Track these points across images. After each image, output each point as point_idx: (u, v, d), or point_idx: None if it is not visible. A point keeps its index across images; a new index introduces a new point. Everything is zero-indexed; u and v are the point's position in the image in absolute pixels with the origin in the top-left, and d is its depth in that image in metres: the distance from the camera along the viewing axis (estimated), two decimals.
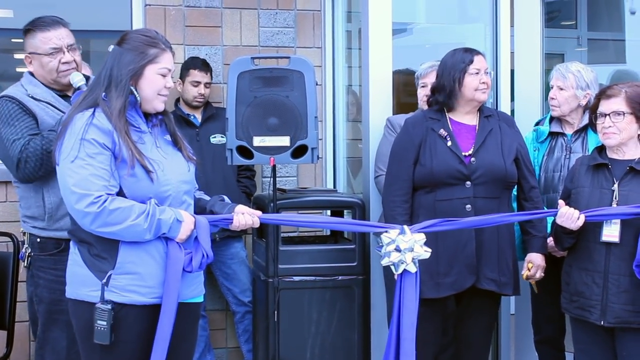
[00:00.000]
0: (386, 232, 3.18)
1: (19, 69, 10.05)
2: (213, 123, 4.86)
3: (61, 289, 3.35)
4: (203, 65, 4.94)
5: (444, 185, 3.77)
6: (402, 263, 3.15)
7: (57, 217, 3.43)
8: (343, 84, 5.46)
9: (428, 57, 4.43)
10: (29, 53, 3.50)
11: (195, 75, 4.89)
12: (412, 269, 3.14)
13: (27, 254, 3.52)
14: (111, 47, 2.93)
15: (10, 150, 3.37)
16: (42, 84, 3.50)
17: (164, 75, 2.88)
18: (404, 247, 3.13)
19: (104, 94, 2.83)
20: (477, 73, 3.82)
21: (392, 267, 3.20)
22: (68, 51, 3.43)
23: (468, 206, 3.73)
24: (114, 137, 2.76)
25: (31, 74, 3.55)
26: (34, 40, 3.48)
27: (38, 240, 3.48)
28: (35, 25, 3.47)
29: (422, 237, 3.16)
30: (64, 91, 3.53)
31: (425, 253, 3.17)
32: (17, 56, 9.78)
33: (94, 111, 2.79)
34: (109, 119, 2.77)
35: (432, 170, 3.77)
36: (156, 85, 2.87)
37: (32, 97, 3.45)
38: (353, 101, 5.51)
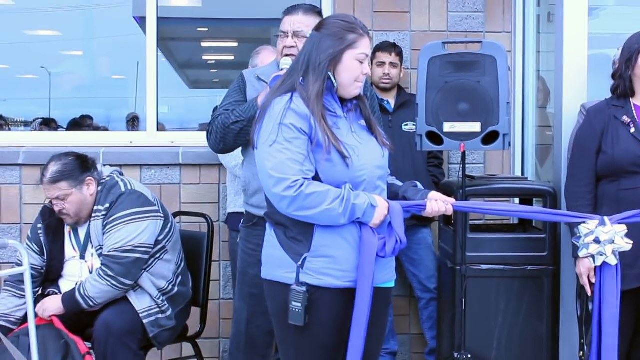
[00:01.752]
0: (585, 222, 3.06)
1: (204, 57, 10.46)
2: (406, 110, 4.83)
3: (248, 260, 3.53)
4: (388, 46, 4.94)
5: (628, 173, 3.64)
6: (602, 255, 3.03)
7: (250, 193, 3.58)
8: (533, 70, 5.31)
9: (617, 43, 4.24)
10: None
11: (380, 56, 4.91)
12: (613, 261, 3.01)
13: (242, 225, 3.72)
14: (309, 33, 2.97)
15: None
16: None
17: (361, 62, 2.89)
18: (604, 238, 3.00)
19: (301, 78, 2.86)
20: None
21: (591, 260, 3.09)
22: (293, 37, 3.50)
23: None
24: (310, 122, 2.78)
25: None
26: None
27: (244, 212, 3.67)
28: (286, 9, 3.59)
29: (623, 229, 3.02)
30: None
31: (626, 245, 3.02)
32: (203, 44, 10.18)
33: (292, 96, 2.83)
34: (306, 104, 2.80)
35: (614, 158, 3.65)
36: (354, 71, 2.88)
37: (257, 77, 3.58)
38: (541, 87, 5.35)
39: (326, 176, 2.81)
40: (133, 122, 7.77)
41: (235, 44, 10.25)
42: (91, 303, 3.78)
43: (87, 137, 5.34)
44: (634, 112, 3.73)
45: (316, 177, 2.81)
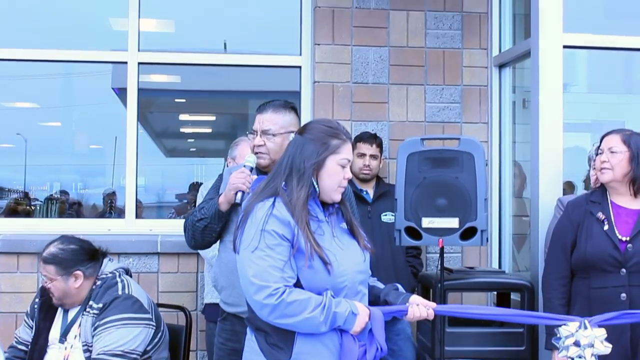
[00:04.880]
0: (565, 325, 3.07)
1: (182, 129, 10.51)
2: (384, 201, 4.87)
3: (219, 354, 3.55)
4: (369, 137, 4.99)
5: (598, 271, 3.66)
6: (581, 358, 3.03)
7: (218, 288, 3.57)
8: (509, 160, 5.38)
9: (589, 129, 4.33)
10: None
11: (360, 147, 4.94)
12: None
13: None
14: (292, 136, 3.00)
15: None
16: None
17: (343, 166, 2.91)
18: (584, 342, 3.00)
19: (284, 183, 2.88)
20: (602, 153, 3.75)
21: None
22: (261, 136, 3.51)
23: (623, 295, 3.60)
24: (293, 229, 2.79)
25: None
26: None
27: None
28: (258, 107, 3.60)
29: (602, 333, 3.02)
30: (264, 170, 3.56)
31: (605, 349, 3.03)
32: (181, 117, 10.24)
33: (274, 201, 2.83)
34: (288, 209, 2.81)
35: (586, 254, 3.68)
36: (336, 175, 2.90)
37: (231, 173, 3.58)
38: (517, 173, 5.42)
39: (307, 282, 2.80)
40: (110, 202, 7.74)
41: (213, 118, 10.34)
42: None
43: (66, 224, 5.29)
44: (610, 209, 3.76)
45: (297, 283, 2.80)
